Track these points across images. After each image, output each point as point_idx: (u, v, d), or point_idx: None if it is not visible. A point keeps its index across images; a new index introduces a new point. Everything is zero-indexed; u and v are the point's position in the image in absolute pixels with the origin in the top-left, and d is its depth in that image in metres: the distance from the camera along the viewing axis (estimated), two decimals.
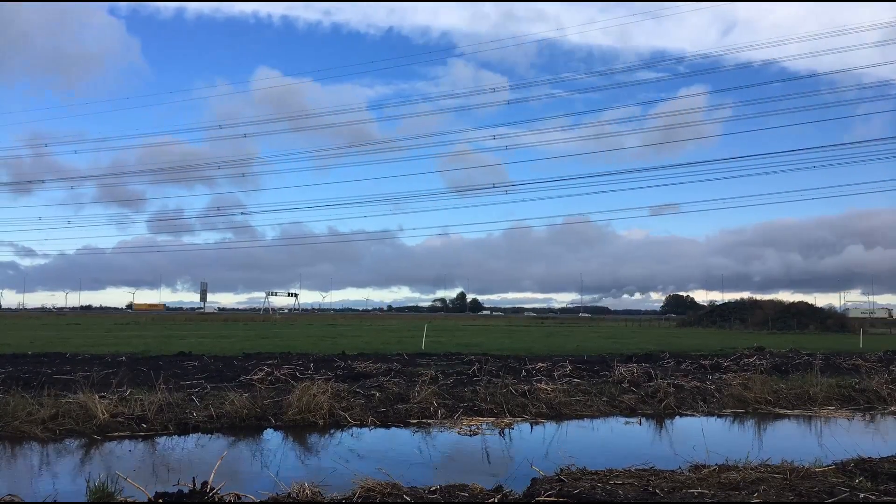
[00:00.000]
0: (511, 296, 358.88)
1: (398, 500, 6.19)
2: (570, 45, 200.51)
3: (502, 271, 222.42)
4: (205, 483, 6.38)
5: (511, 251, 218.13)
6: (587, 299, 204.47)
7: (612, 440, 10.86)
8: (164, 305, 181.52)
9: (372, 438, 10.52)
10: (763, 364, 19.89)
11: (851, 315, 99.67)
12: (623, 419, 12.51)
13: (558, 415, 12.41)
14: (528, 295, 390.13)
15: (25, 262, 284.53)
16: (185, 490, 6.30)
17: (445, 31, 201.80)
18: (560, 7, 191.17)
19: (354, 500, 6.21)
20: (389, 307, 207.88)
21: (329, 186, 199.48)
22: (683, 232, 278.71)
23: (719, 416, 13.12)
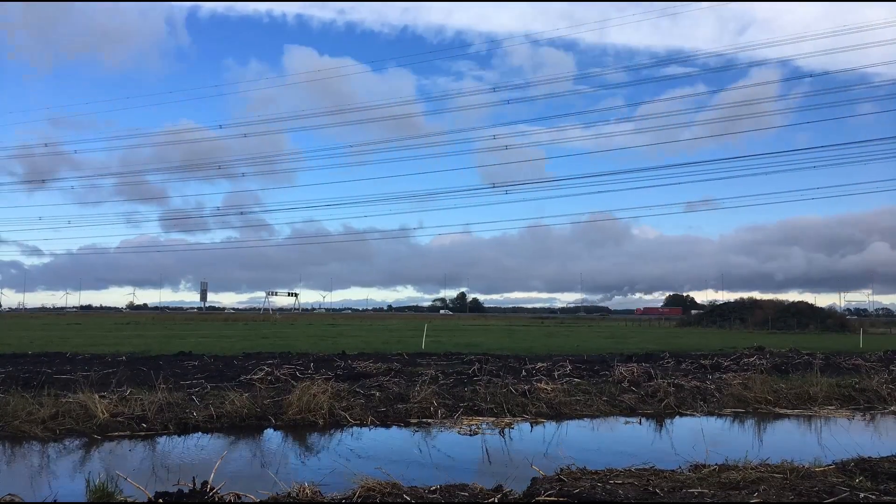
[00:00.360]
0: (515, 295, 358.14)
1: (398, 500, 6.19)
2: (585, 45, 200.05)
3: (512, 270, 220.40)
4: (205, 483, 6.39)
5: (523, 250, 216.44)
6: (596, 298, 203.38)
7: (612, 440, 10.86)
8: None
9: (372, 438, 10.52)
10: (763, 364, 19.88)
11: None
12: (623, 419, 12.51)
13: (558, 414, 12.41)
14: (534, 294, 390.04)
15: (31, 260, 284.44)
16: (185, 490, 6.30)
17: (460, 30, 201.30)
18: (576, 7, 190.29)
19: (354, 499, 6.21)
20: (389, 307, 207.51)
21: (342, 185, 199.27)
22: (699, 231, 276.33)
23: (719, 415, 13.12)
